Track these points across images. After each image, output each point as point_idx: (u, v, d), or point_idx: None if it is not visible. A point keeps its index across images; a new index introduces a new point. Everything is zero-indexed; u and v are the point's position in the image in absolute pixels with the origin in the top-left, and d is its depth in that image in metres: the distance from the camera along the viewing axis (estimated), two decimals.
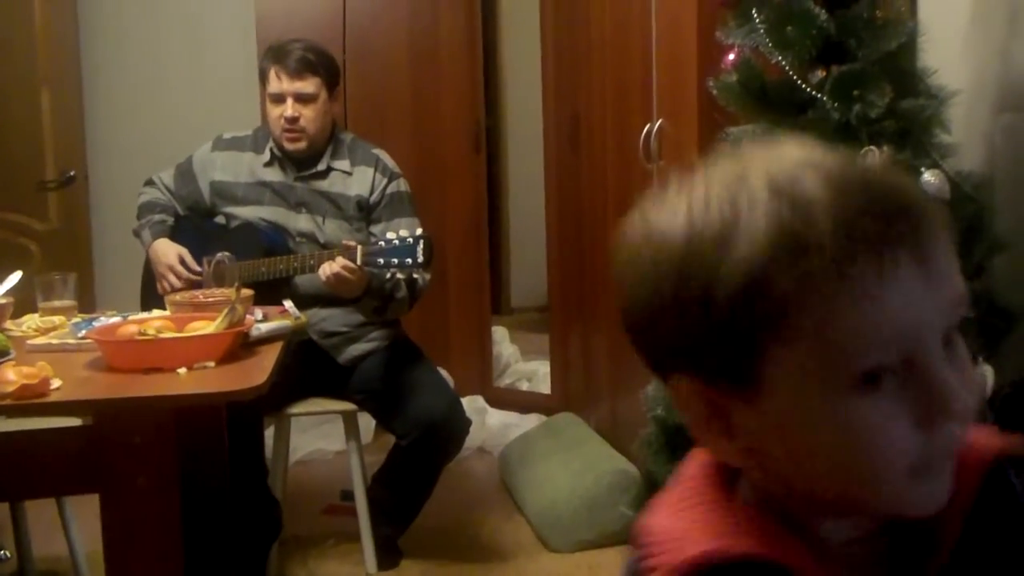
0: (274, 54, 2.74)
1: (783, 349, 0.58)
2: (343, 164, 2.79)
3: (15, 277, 2.36)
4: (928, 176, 1.72)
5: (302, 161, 2.79)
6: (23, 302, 2.37)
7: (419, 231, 2.47)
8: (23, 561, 2.65)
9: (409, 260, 2.43)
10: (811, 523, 0.63)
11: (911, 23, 1.85)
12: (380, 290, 2.64)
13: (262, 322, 2.19)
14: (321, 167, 2.78)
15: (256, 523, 2.56)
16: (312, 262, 2.56)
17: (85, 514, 2.42)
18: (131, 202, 2.97)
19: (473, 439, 3.29)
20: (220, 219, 2.86)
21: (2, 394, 1.66)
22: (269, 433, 2.81)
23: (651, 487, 2.15)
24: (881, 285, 0.56)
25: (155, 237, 2.81)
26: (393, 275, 2.60)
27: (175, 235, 2.83)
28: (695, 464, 0.69)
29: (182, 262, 2.76)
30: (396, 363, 2.78)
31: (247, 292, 2.22)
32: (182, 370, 1.84)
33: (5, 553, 2.72)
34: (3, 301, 2.29)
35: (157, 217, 2.85)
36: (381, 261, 2.46)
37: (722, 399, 0.62)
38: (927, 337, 0.58)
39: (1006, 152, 2.10)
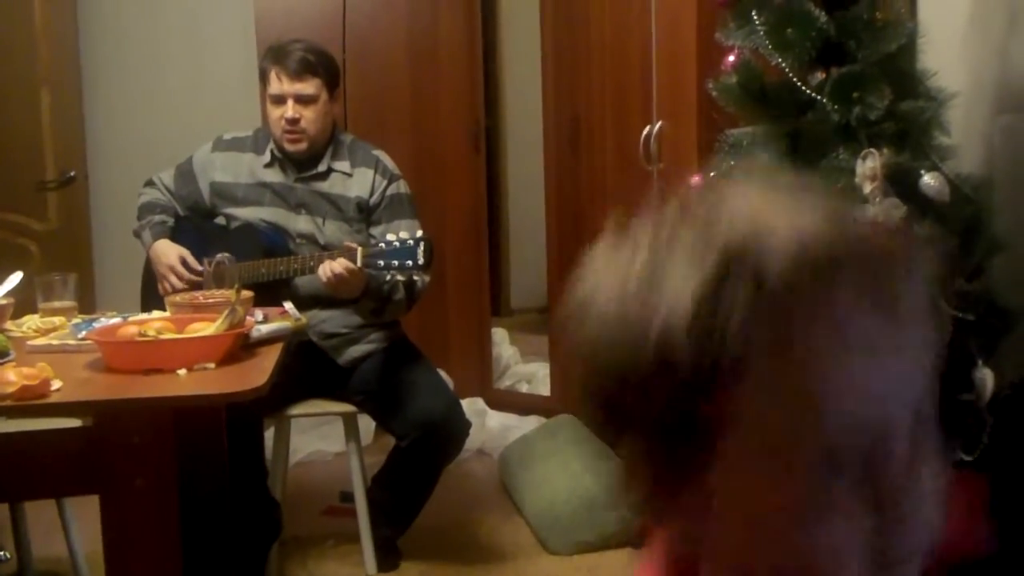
0: (274, 55, 2.74)
1: (729, 429, 0.54)
2: (343, 165, 2.79)
3: (15, 278, 2.36)
4: (927, 178, 1.72)
5: (302, 162, 2.79)
6: (23, 303, 2.37)
7: (419, 233, 2.47)
8: (23, 562, 2.65)
9: (409, 262, 2.43)
10: None
11: (910, 25, 1.85)
12: (378, 291, 2.64)
13: (262, 323, 2.19)
14: (321, 168, 2.78)
15: (256, 524, 2.56)
16: (312, 263, 2.56)
17: (85, 515, 2.42)
18: (131, 202, 2.97)
19: (473, 441, 3.29)
20: (220, 220, 2.85)
21: (2, 395, 1.66)
22: (269, 434, 2.81)
23: None
24: (833, 356, 0.52)
25: (156, 238, 2.81)
26: (392, 277, 2.60)
27: (175, 236, 2.83)
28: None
29: (183, 263, 2.76)
30: (396, 364, 2.78)
31: (247, 293, 2.22)
32: (182, 371, 1.84)
33: (5, 554, 2.72)
34: (3, 302, 2.29)
35: (157, 218, 2.85)
36: (381, 263, 2.46)
37: (671, 474, 0.57)
38: (891, 426, 0.54)
39: (1005, 153, 2.10)
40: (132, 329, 1.98)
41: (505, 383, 4.31)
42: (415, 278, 2.69)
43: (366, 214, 2.77)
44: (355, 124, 3.74)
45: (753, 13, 1.85)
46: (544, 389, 4.05)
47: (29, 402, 1.67)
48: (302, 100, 2.70)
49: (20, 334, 2.21)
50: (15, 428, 1.89)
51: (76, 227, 4.17)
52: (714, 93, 1.95)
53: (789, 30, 1.80)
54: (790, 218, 0.53)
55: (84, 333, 2.10)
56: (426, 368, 2.85)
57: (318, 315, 2.71)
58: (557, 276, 3.84)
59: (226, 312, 1.98)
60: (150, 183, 2.94)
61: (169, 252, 2.78)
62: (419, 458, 2.74)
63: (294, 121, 2.70)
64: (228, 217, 2.83)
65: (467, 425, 2.80)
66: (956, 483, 0.62)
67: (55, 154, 4.07)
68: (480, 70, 4.19)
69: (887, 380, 0.52)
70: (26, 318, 2.32)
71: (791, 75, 1.82)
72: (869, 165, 1.70)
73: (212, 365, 1.87)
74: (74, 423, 2.01)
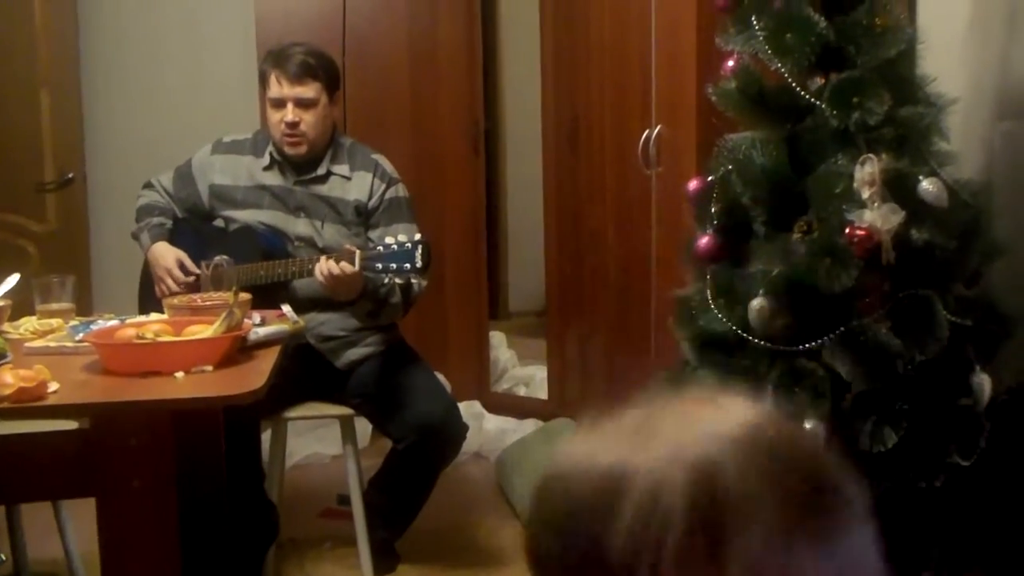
0: (274, 58, 2.74)
1: None
2: (342, 169, 2.79)
3: (13, 279, 2.36)
4: (926, 183, 1.72)
5: (301, 165, 2.79)
6: (21, 304, 2.36)
7: (417, 236, 2.47)
8: (19, 564, 2.64)
9: (408, 265, 2.43)
10: None
11: (910, 30, 1.85)
12: (375, 294, 2.64)
13: (260, 326, 2.19)
14: (320, 171, 2.78)
15: (253, 527, 2.56)
16: (310, 266, 2.56)
17: (81, 516, 2.42)
18: (129, 204, 2.97)
19: (470, 444, 3.28)
20: (219, 222, 2.85)
21: (0, 397, 1.66)
22: (266, 437, 2.80)
23: None
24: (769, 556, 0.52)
25: (154, 240, 2.81)
26: (390, 280, 2.60)
27: (174, 238, 2.83)
28: None
29: (180, 266, 2.76)
30: (393, 367, 2.78)
31: (245, 296, 2.22)
32: (180, 374, 1.83)
33: (1, 556, 2.71)
34: (1, 303, 2.29)
35: (156, 220, 2.84)
36: (379, 266, 2.46)
37: None
38: None
39: (1004, 159, 2.11)
40: (130, 331, 1.98)
41: (503, 386, 4.31)
42: (412, 281, 2.68)
43: (365, 218, 2.77)
44: (354, 126, 3.74)
45: (753, 18, 1.85)
46: (542, 393, 4.05)
47: (26, 404, 1.67)
48: (302, 104, 2.70)
49: (17, 336, 2.21)
50: (12, 430, 1.89)
51: (74, 229, 4.16)
52: (713, 97, 1.95)
53: (788, 35, 1.80)
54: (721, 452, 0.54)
55: (82, 335, 2.10)
56: (424, 371, 2.85)
57: (316, 318, 2.71)
58: (556, 280, 3.85)
59: (224, 315, 1.98)
60: (149, 185, 2.94)
61: (167, 255, 2.78)
62: (416, 461, 2.74)
63: (294, 125, 2.70)
64: (227, 219, 2.82)
65: (464, 428, 2.80)
66: None
67: (54, 155, 4.07)
68: (479, 73, 4.19)
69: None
70: (23, 320, 2.32)
71: (790, 80, 1.82)
72: (868, 170, 1.70)
73: (210, 368, 1.87)
74: (71, 425, 2.02)
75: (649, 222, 3.11)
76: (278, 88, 2.71)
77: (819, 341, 1.71)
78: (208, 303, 2.25)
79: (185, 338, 1.96)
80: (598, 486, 0.55)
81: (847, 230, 1.69)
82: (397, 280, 2.61)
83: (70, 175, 4.09)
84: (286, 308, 2.39)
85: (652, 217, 3.10)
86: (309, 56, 2.72)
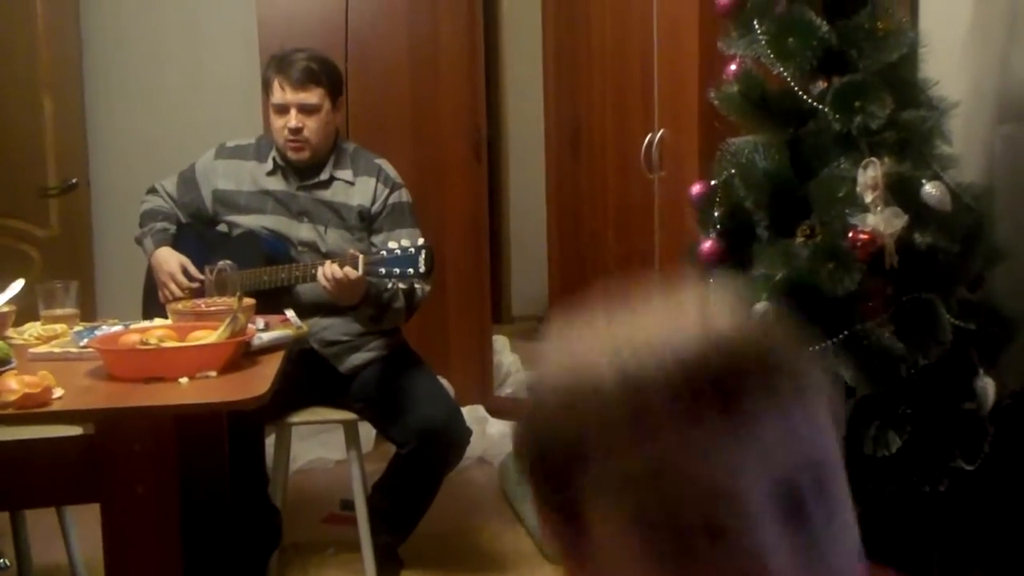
0: (277, 64, 2.74)
1: (596, 511, 0.57)
2: (345, 174, 2.80)
3: (17, 285, 2.36)
4: (929, 187, 1.72)
5: (305, 170, 2.79)
6: (25, 310, 2.37)
7: (420, 241, 2.48)
8: (23, 569, 2.64)
9: (411, 270, 2.43)
10: None
11: (912, 35, 1.85)
12: (377, 298, 2.64)
13: (264, 331, 2.19)
14: (324, 177, 2.79)
15: (256, 532, 2.56)
16: (314, 271, 2.56)
17: (85, 522, 2.42)
18: (133, 209, 2.97)
19: (474, 448, 3.28)
20: (222, 227, 2.86)
21: (4, 403, 1.66)
22: (269, 441, 2.80)
23: None
24: (679, 447, 0.53)
25: (157, 245, 2.81)
26: (393, 284, 2.61)
27: (177, 243, 2.83)
28: None
29: (184, 271, 2.76)
30: (396, 372, 2.78)
31: (249, 301, 2.22)
32: (184, 379, 1.84)
33: (5, 561, 2.72)
34: (5, 309, 2.29)
35: (159, 225, 2.85)
36: (383, 270, 2.46)
37: (567, 533, 0.60)
38: (740, 504, 0.54)
39: (1005, 162, 2.11)
40: (134, 337, 1.98)
41: (506, 390, 4.31)
42: (416, 286, 2.69)
43: (368, 223, 2.77)
44: (356, 131, 3.75)
45: (755, 22, 1.86)
46: None
47: (31, 410, 1.67)
48: (305, 110, 2.70)
49: (22, 342, 2.21)
50: (16, 436, 1.89)
51: (78, 234, 4.17)
52: (716, 102, 1.96)
53: (791, 39, 1.80)
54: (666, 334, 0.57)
55: (86, 341, 2.10)
56: (427, 375, 2.85)
57: (319, 323, 2.71)
58: (558, 284, 3.85)
59: (228, 320, 1.98)
60: (152, 190, 2.94)
61: (170, 260, 2.78)
62: (420, 466, 2.74)
63: (297, 130, 2.70)
64: (230, 224, 2.83)
65: (468, 433, 2.80)
66: None
67: (57, 161, 4.08)
68: (481, 78, 4.20)
69: (736, 458, 0.54)
70: (28, 325, 2.32)
71: (792, 84, 1.83)
72: (870, 174, 1.70)
73: (214, 373, 1.88)
74: (75, 431, 2.02)
75: (652, 226, 3.12)
76: (281, 94, 2.71)
77: (822, 345, 1.71)
78: (212, 308, 2.25)
79: (189, 343, 1.96)
80: (571, 387, 0.58)
81: (850, 234, 1.69)
82: (400, 285, 2.62)
83: (73, 180, 4.10)
84: (290, 313, 2.39)
85: (655, 221, 3.11)
86: (312, 62, 2.72)
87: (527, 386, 0.64)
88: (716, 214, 1.92)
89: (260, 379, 1.89)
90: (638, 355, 0.56)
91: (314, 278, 2.55)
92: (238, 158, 2.86)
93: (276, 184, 2.81)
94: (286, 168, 2.80)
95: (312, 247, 2.76)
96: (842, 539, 0.57)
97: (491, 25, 4.42)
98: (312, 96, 2.70)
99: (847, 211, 1.71)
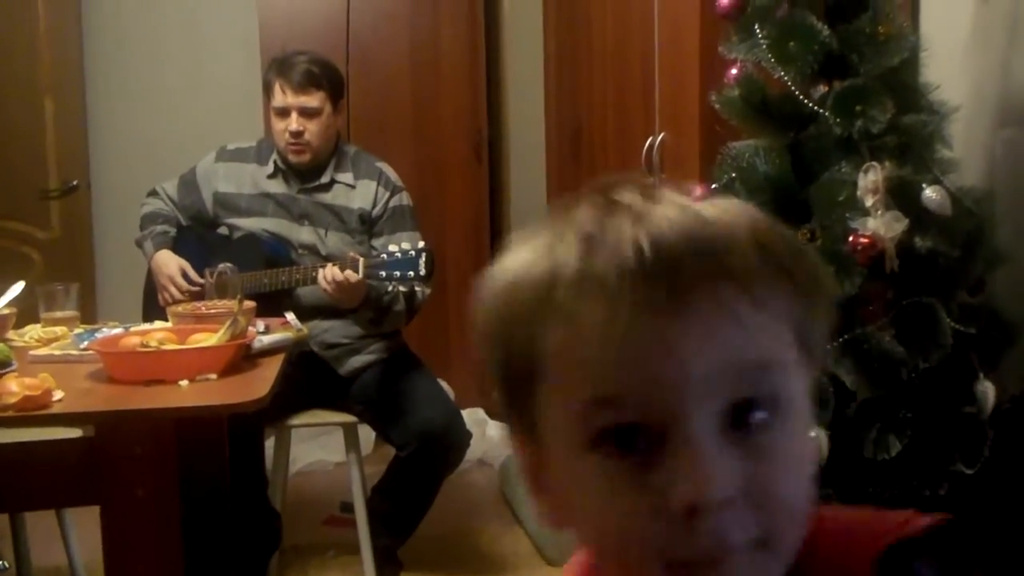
0: (279, 67, 2.75)
1: (541, 397, 0.55)
2: (346, 177, 2.80)
3: (17, 287, 2.37)
4: (929, 191, 1.72)
5: (306, 173, 2.79)
6: (25, 312, 2.37)
7: (421, 244, 2.48)
8: (22, 571, 2.64)
9: (411, 273, 2.44)
10: None
11: (913, 39, 1.85)
12: (377, 301, 2.64)
13: (264, 334, 2.20)
14: (324, 180, 2.79)
15: (256, 534, 2.56)
16: (314, 274, 2.56)
17: (84, 524, 2.42)
18: (133, 212, 2.98)
19: (474, 451, 3.28)
20: (223, 230, 2.86)
21: (4, 405, 1.66)
22: (269, 444, 2.80)
23: None
24: (614, 332, 0.51)
25: (157, 248, 2.81)
26: (394, 287, 2.61)
27: (177, 246, 2.83)
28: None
29: (183, 275, 2.77)
30: (396, 374, 2.78)
31: (249, 304, 2.22)
32: (184, 382, 1.84)
33: (4, 563, 2.71)
34: (6, 311, 2.29)
35: (159, 228, 2.85)
36: (383, 273, 2.46)
37: (529, 449, 0.58)
38: (683, 402, 0.51)
39: (1006, 167, 2.10)
40: (134, 340, 1.99)
41: None
42: (416, 289, 2.69)
43: (368, 226, 2.78)
44: (357, 134, 3.75)
45: (756, 26, 1.85)
46: None
47: (31, 412, 1.68)
48: (306, 113, 2.71)
49: (22, 344, 2.21)
50: (16, 438, 1.89)
51: (78, 236, 4.17)
52: (716, 105, 1.95)
53: (791, 43, 1.80)
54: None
55: (86, 343, 2.10)
56: (427, 378, 2.85)
57: (320, 325, 2.71)
58: None
59: (228, 323, 1.98)
60: (153, 193, 2.95)
61: (169, 263, 2.79)
62: (420, 468, 2.74)
63: (298, 134, 2.70)
64: (231, 227, 2.83)
65: (468, 435, 2.80)
66: None
67: (58, 163, 4.08)
68: (482, 80, 4.20)
69: (676, 339, 0.51)
70: (28, 328, 2.32)
71: (793, 88, 1.82)
72: (871, 178, 1.70)
73: (214, 376, 1.88)
74: (75, 433, 2.02)
75: None
76: (282, 97, 2.71)
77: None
78: (212, 311, 2.26)
79: (189, 346, 1.96)
80: (535, 284, 0.56)
81: (851, 238, 1.69)
82: (401, 288, 2.62)
83: (74, 182, 4.10)
84: (290, 316, 2.39)
85: None
86: (313, 65, 2.73)
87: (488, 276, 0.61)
88: None
89: (260, 382, 1.89)
90: (604, 235, 0.54)
91: (314, 281, 2.55)
92: (239, 161, 2.86)
93: (277, 187, 2.81)
94: (287, 171, 2.80)
95: (312, 250, 2.76)
96: (791, 456, 0.54)
97: (492, 27, 4.42)
98: (313, 99, 2.71)
99: (848, 215, 1.71)
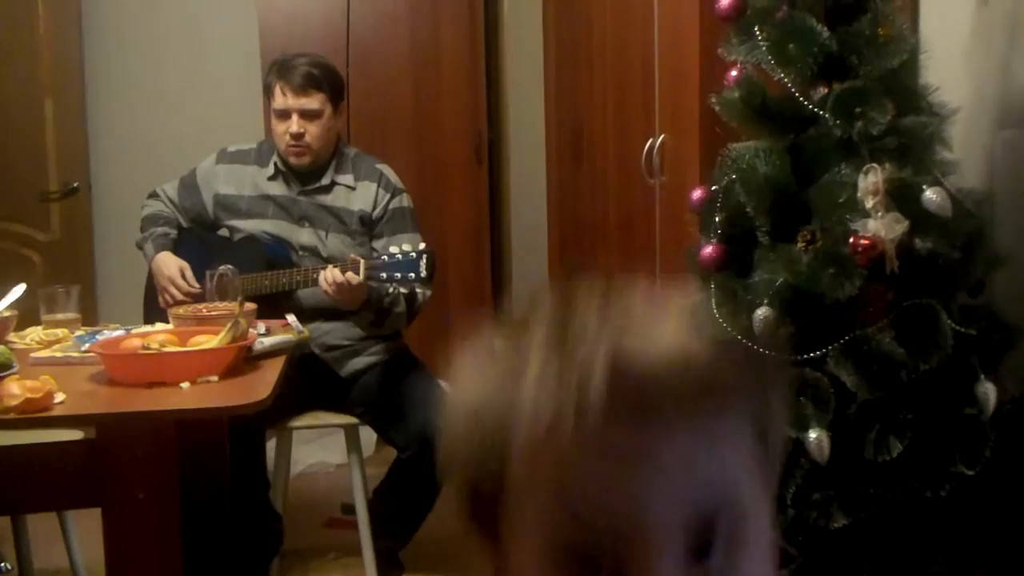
0: (279, 69, 2.75)
1: (506, 522, 0.57)
2: (347, 179, 2.80)
3: (19, 290, 2.37)
4: (929, 193, 1.72)
5: (306, 175, 2.79)
6: (26, 314, 2.37)
7: (422, 246, 2.48)
8: (24, 573, 2.64)
9: (412, 274, 2.44)
10: None
11: (912, 40, 1.85)
12: (378, 303, 2.64)
13: (265, 336, 2.20)
14: (325, 181, 2.79)
15: (257, 536, 2.56)
16: (315, 276, 2.57)
17: (86, 525, 2.42)
18: (134, 214, 2.98)
19: None
20: (223, 232, 2.86)
21: (6, 408, 1.67)
22: (270, 446, 2.80)
23: None
24: (568, 481, 0.52)
25: (158, 250, 2.82)
26: (394, 289, 2.61)
27: (178, 248, 2.83)
28: None
29: (183, 276, 2.77)
30: (397, 376, 2.79)
31: (250, 306, 2.23)
32: (185, 384, 1.84)
33: (6, 565, 2.72)
34: (7, 314, 2.30)
35: (160, 230, 2.85)
36: (384, 275, 2.47)
37: (491, 555, 0.61)
38: (643, 549, 0.52)
39: (1006, 168, 2.11)
40: (135, 342, 1.99)
41: None
42: (417, 291, 2.69)
43: (369, 227, 2.78)
44: (358, 135, 3.75)
45: (756, 28, 1.85)
46: None
47: (32, 415, 1.68)
48: (306, 115, 2.71)
49: (23, 346, 2.22)
50: (18, 441, 1.89)
51: (78, 238, 4.18)
52: (716, 107, 1.95)
53: (791, 45, 1.80)
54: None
55: (87, 345, 2.10)
56: (428, 380, 2.85)
57: (321, 327, 2.71)
58: None
59: (229, 325, 1.98)
60: (154, 195, 2.95)
61: (170, 265, 2.79)
62: (421, 470, 2.73)
63: (298, 136, 2.71)
64: (231, 229, 2.83)
65: None
66: None
67: (58, 165, 4.09)
68: (482, 81, 4.21)
69: (636, 488, 0.52)
70: (29, 330, 2.33)
71: (793, 90, 1.83)
72: (871, 180, 1.70)
73: (215, 378, 1.88)
74: (77, 436, 2.02)
75: (652, 231, 3.12)
76: (283, 99, 2.72)
77: (823, 350, 1.71)
78: (213, 313, 2.26)
79: (190, 348, 1.97)
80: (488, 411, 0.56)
81: (851, 239, 1.69)
82: (402, 290, 2.62)
83: (74, 184, 4.10)
84: (291, 318, 2.39)
85: (655, 226, 3.11)
86: (313, 67, 2.73)
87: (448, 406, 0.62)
88: (717, 219, 1.92)
89: (261, 384, 1.89)
90: (557, 374, 0.53)
91: (315, 282, 2.56)
92: (239, 163, 2.86)
93: (277, 189, 2.81)
94: (287, 173, 2.81)
95: (313, 252, 2.76)
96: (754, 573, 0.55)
97: (492, 29, 4.42)
98: (313, 101, 2.71)
99: (848, 217, 1.71)
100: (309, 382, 2.69)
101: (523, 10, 4.23)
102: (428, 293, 2.75)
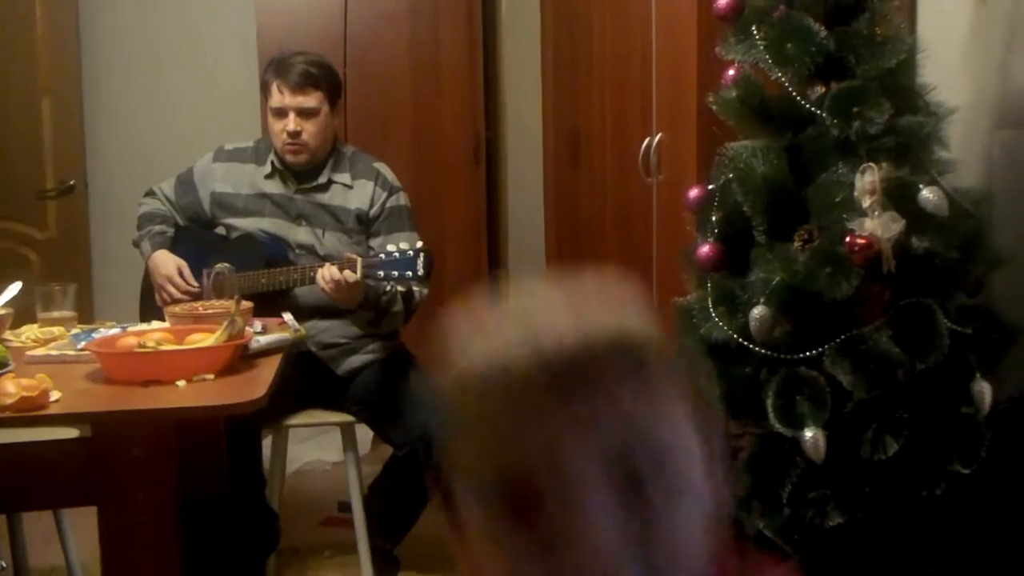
0: (276, 68, 2.75)
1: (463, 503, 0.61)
2: (344, 177, 2.80)
3: (15, 288, 2.36)
4: (927, 192, 1.72)
5: (303, 174, 2.79)
6: (22, 312, 2.37)
7: (419, 244, 2.48)
8: (19, 572, 2.64)
9: (409, 273, 2.44)
10: None
11: (910, 40, 1.85)
12: (376, 301, 2.64)
13: (261, 334, 2.19)
14: (322, 180, 2.79)
15: (254, 534, 2.56)
16: (312, 274, 2.56)
17: (81, 524, 2.42)
18: (131, 212, 2.98)
19: None
20: (220, 230, 2.86)
21: (1, 406, 1.66)
22: (267, 444, 2.80)
23: None
24: (510, 420, 0.58)
25: (154, 248, 2.81)
26: (392, 288, 2.61)
27: (175, 246, 2.83)
28: None
29: (180, 274, 2.76)
30: (394, 374, 2.78)
31: (247, 304, 2.22)
32: (181, 382, 1.84)
33: (1, 564, 2.71)
34: (3, 312, 2.29)
35: (157, 228, 2.85)
36: (381, 273, 2.46)
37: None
38: (563, 471, 0.56)
39: (1004, 168, 2.11)
40: (131, 340, 1.98)
41: None
42: (414, 289, 2.69)
43: (366, 226, 2.78)
44: (355, 135, 3.75)
45: (753, 27, 1.85)
46: None
47: (28, 413, 1.68)
48: (303, 113, 2.71)
49: (19, 344, 2.21)
50: (14, 439, 1.89)
51: (75, 236, 4.17)
52: (714, 107, 1.95)
53: (789, 45, 1.80)
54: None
55: (83, 344, 2.10)
56: (425, 378, 2.84)
57: (317, 325, 2.71)
58: None
59: (226, 323, 1.98)
60: (150, 193, 2.94)
61: (167, 263, 2.78)
62: (417, 468, 2.73)
63: (295, 134, 2.71)
64: (228, 227, 2.83)
65: None
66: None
67: (55, 163, 4.08)
68: (480, 81, 4.20)
69: (560, 427, 0.57)
70: (25, 328, 2.32)
71: (791, 89, 1.83)
72: (868, 179, 1.70)
73: (211, 376, 1.88)
74: (73, 434, 2.02)
75: (650, 230, 3.12)
76: (280, 97, 2.71)
77: (820, 349, 1.72)
78: (210, 311, 2.25)
79: (187, 347, 1.96)
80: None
81: (848, 239, 1.69)
82: (399, 288, 2.62)
83: (71, 183, 4.10)
84: (287, 316, 2.39)
85: (653, 225, 3.11)
86: (311, 65, 2.73)
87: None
88: (714, 218, 1.92)
89: (258, 383, 1.89)
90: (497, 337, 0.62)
91: (312, 281, 2.55)
92: (236, 161, 2.86)
93: (274, 187, 2.81)
94: (284, 171, 2.80)
95: (310, 250, 2.76)
96: (685, 526, 0.58)
97: (490, 29, 4.42)
98: (310, 100, 2.71)
99: (845, 216, 1.71)
100: (306, 380, 2.68)
101: (521, 10, 4.23)
102: (425, 292, 2.75)
